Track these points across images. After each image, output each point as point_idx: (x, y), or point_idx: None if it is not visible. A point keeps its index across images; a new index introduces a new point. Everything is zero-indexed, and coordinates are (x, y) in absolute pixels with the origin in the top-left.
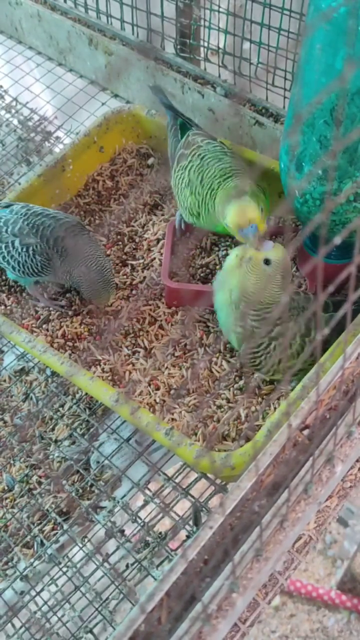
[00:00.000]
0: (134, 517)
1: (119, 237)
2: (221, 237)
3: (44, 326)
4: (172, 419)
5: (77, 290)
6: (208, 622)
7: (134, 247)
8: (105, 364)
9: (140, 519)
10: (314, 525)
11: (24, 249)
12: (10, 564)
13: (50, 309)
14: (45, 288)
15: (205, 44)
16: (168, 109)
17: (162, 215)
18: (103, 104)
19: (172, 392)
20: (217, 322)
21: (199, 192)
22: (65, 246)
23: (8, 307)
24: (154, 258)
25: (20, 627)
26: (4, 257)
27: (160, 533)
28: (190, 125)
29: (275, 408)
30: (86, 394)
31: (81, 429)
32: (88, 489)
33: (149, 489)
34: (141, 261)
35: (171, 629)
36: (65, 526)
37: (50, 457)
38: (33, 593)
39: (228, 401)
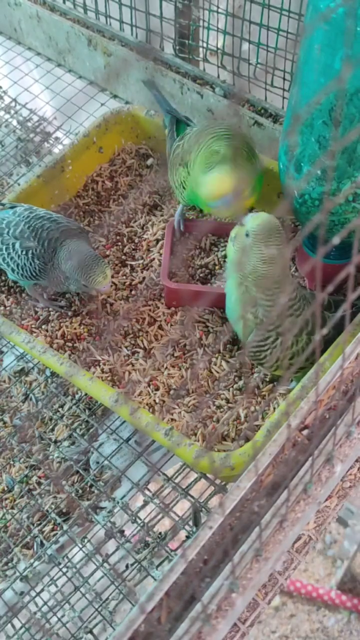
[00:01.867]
0: (133, 518)
1: (118, 237)
2: (220, 238)
3: (43, 327)
4: (172, 419)
5: (76, 291)
6: (208, 622)
7: (133, 247)
8: (104, 364)
9: (140, 519)
10: (314, 525)
11: (24, 252)
12: (10, 564)
13: (50, 309)
14: (44, 289)
15: (204, 45)
16: (167, 113)
17: (162, 215)
18: (102, 104)
19: (171, 393)
20: (217, 322)
21: (189, 163)
22: (55, 247)
23: (7, 308)
24: (153, 258)
25: (20, 628)
26: (4, 259)
27: (160, 533)
28: (188, 124)
29: (274, 408)
30: (86, 394)
31: (81, 430)
32: (88, 489)
33: (148, 489)
34: (140, 262)
35: (171, 629)
36: (65, 527)
37: (50, 457)
38: (33, 593)
39: (227, 401)
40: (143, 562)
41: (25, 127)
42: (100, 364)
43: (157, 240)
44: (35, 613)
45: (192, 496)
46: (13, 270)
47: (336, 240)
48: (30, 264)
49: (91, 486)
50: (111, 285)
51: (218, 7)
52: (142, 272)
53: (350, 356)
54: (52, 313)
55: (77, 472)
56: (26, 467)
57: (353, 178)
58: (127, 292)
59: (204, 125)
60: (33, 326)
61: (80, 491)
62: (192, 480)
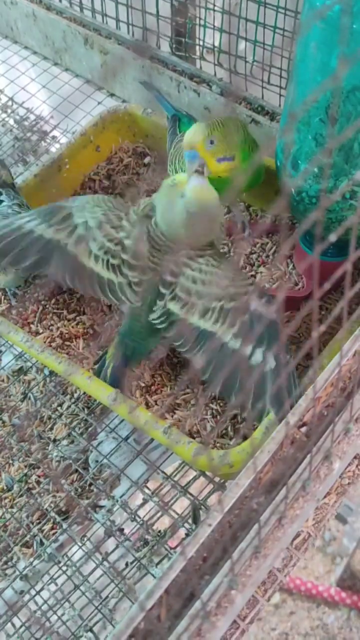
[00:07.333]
0: (133, 516)
1: None
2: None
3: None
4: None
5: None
6: (207, 619)
7: None
8: None
9: (139, 517)
10: (313, 522)
11: None
12: (9, 563)
13: (48, 308)
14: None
15: (201, 43)
16: (172, 110)
17: None
18: (99, 103)
19: (170, 391)
20: None
21: None
22: None
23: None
24: None
25: (21, 627)
26: None
27: (159, 531)
28: (195, 120)
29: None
30: (84, 393)
31: (80, 428)
32: (87, 488)
33: (147, 488)
34: None
35: (170, 627)
36: (65, 525)
37: (49, 456)
38: (33, 592)
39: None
40: (142, 560)
41: (22, 126)
42: None
43: None
44: (35, 612)
45: (191, 494)
46: None
47: (333, 237)
48: None
49: (90, 485)
50: None
51: (214, 5)
52: None
53: (347, 353)
54: (50, 314)
55: (76, 470)
56: (25, 466)
57: (350, 175)
58: None
59: None
60: (31, 324)
61: (79, 490)
62: (191, 478)
